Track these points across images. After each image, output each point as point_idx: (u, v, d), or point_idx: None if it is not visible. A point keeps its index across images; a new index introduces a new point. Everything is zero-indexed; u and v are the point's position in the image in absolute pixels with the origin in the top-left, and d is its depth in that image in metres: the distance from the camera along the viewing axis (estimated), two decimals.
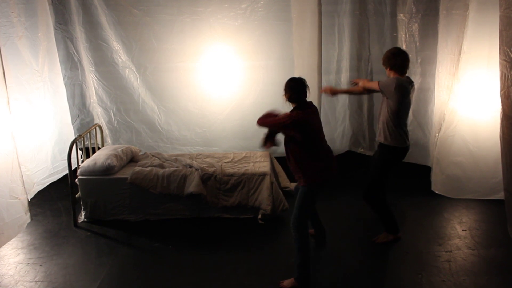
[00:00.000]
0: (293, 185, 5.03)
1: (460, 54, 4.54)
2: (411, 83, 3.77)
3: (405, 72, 3.75)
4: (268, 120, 3.29)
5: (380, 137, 3.82)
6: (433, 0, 5.02)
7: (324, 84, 5.43)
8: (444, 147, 4.84)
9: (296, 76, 3.42)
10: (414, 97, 5.15)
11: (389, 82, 3.66)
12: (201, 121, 5.90)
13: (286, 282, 3.36)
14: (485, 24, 4.30)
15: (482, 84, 4.53)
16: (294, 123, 3.19)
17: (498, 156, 4.16)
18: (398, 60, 3.68)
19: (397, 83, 3.60)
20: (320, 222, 3.98)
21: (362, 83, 4.02)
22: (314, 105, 3.39)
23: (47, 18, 5.24)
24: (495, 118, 4.25)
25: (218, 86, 5.80)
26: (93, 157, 4.62)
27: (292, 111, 3.32)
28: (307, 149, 3.25)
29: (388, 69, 3.74)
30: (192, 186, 4.34)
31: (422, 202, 4.81)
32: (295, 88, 3.29)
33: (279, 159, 5.15)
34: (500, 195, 4.64)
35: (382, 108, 3.77)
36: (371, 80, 5.79)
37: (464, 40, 4.47)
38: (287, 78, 3.39)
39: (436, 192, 4.97)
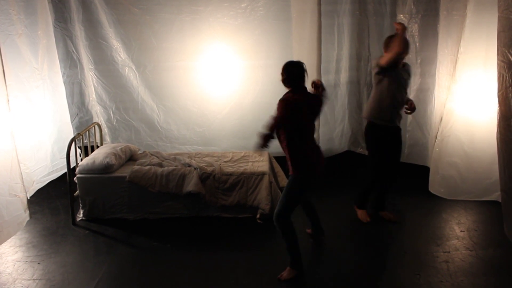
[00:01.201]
0: None
1: (457, 55, 4.54)
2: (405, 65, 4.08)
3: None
4: (270, 123, 3.23)
5: None
6: (433, 1, 5.02)
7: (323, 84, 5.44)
8: (440, 148, 4.84)
9: None
10: (413, 97, 5.19)
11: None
12: (200, 120, 5.90)
13: (284, 273, 3.42)
14: (482, 25, 4.30)
15: (478, 85, 4.52)
16: (286, 107, 3.13)
17: (493, 157, 4.15)
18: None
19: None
20: (319, 222, 3.98)
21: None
22: (314, 94, 3.36)
23: (47, 16, 5.24)
24: (491, 119, 4.24)
25: (218, 85, 5.80)
26: (92, 156, 4.62)
27: (284, 95, 3.28)
28: (295, 136, 3.22)
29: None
30: (191, 185, 4.35)
31: (421, 203, 4.81)
32: (291, 71, 3.24)
33: (278, 158, 5.15)
34: (494, 196, 4.66)
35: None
36: (370, 82, 5.83)
37: (462, 41, 4.46)
38: None
39: (432, 192, 4.97)
